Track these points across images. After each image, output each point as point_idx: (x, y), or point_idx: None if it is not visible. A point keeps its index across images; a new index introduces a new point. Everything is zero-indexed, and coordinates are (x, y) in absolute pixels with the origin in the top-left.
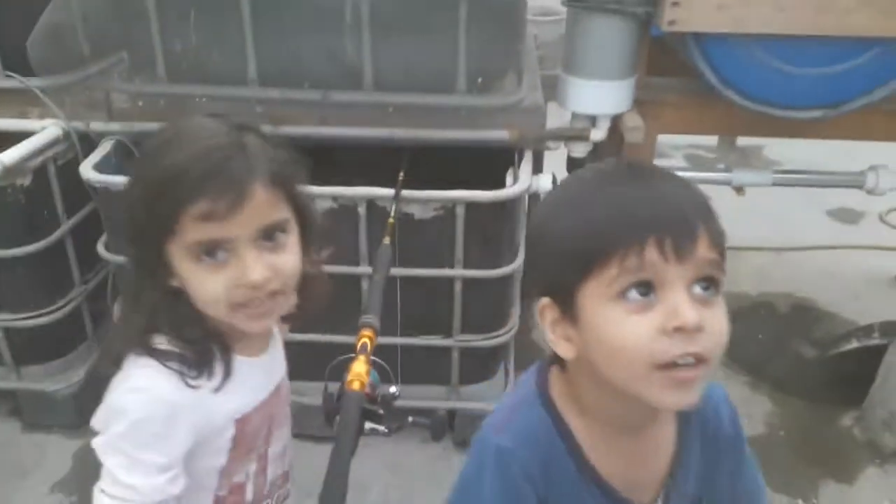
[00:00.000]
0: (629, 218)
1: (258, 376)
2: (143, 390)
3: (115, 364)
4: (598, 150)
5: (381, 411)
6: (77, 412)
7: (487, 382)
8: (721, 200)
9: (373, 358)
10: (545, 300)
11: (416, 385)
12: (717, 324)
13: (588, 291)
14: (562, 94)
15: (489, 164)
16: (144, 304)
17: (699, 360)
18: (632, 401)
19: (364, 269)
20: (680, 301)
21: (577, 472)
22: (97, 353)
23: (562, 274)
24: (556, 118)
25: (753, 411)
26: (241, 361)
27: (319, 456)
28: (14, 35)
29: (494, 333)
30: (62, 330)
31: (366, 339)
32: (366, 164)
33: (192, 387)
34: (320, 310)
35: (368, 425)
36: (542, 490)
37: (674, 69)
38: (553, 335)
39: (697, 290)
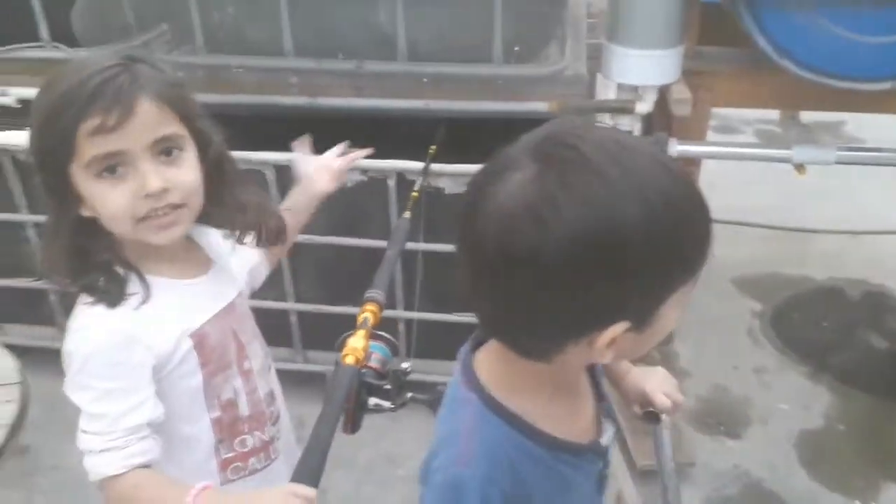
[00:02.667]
0: None
1: (202, 295)
2: (85, 328)
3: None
4: (648, 122)
5: (388, 387)
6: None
7: None
8: (786, 179)
9: (381, 333)
10: (622, 325)
11: (450, 361)
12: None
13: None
14: (606, 65)
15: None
16: (60, 233)
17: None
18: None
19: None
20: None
21: (544, 450)
22: None
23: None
24: (609, 90)
25: (812, 403)
26: (180, 283)
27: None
28: (61, 7)
29: None
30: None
31: (368, 314)
32: (402, 138)
33: (120, 306)
34: (285, 241)
35: (373, 401)
36: (517, 495)
37: (729, 38)
38: (609, 350)
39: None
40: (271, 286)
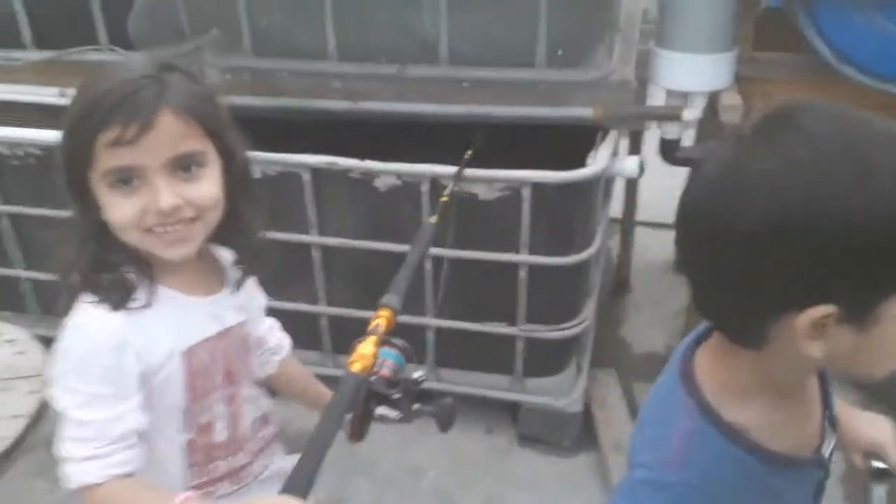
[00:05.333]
0: None
1: (201, 315)
2: (82, 325)
3: (68, 291)
4: (700, 131)
5: (398, 396)
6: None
7: (556, 377)
8: None
9: (395, 340)
10: (825, 308)
11: (478, 372)
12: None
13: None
14: (654, 69)
15: (576, 145)
16: (76, 233)
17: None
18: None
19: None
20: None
21: (761, 464)
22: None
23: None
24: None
25: None
26: (183, 298)
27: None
28: (118, 11)
29: (563, 325)
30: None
31: (380, 321)
32: (442, 143)
33: (122, 309)
34: (269, 273)
35: (379, 410)
36: None
37: (790, 44)
38: (815, 338)
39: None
40: (303, 288)
